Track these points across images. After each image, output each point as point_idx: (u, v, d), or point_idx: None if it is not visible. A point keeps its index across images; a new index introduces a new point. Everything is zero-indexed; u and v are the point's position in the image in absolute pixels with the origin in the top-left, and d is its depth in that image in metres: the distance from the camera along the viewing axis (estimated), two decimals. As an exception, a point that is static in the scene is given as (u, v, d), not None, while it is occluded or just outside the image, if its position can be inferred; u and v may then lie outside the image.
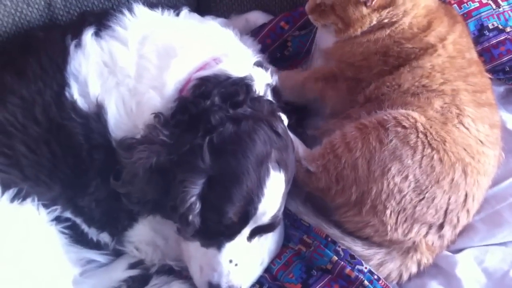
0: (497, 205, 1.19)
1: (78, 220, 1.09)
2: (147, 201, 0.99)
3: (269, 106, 1.06)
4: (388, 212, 1.07)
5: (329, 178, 1.11)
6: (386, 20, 1.16)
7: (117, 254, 1.17)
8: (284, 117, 1.11)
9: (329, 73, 1.24)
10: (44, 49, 1.08)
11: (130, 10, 1.12)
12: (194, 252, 1.01)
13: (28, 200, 1.01)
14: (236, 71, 1.07)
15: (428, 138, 1.07)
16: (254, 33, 1.45)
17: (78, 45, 1.06)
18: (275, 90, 1.15)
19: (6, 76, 1.06)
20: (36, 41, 1.11)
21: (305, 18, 1.39)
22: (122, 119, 1.03)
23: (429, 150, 1.06)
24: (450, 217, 1.09)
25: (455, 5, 1.34)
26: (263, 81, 1.11)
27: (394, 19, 1.16)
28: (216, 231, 0.97)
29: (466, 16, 1.33)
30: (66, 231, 1.07)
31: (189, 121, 0.99)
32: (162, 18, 1.15)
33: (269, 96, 1.11)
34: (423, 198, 1.06)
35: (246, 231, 0.99)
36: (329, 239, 1.13)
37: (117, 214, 1.08)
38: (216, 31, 1.19)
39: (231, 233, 0.98)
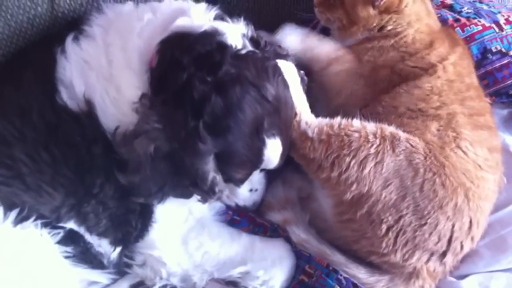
0: (501, 230, 1.18)
1: (82, 230, 1.08)
2: (159, 189, 0.99)
3: (255, 61, 0.99)
4: (384, 226, 1.05)
5: (326, 155, 1.06)
6: (390, 28, 1.18)
7: (120, 273, 1.15)
8: (293, 70, 1.08)
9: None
10: (36, 60, 1.11)
11: (99, 10, 1.14)
12: (223, 189, 1.11)
13: (31, 220, 1.01)
14: (197, 24, 1.03)
15: (428, 162, 1.06)
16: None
17: (62, 51, 1.08)
18: (254, 41, 1.06)
19: (4, 90, 1.09)
20: (30, 55, 1.15)
21: (309, 26, 1.39)
22: (109, 109, 1.03)
23: (430, 174, 1.05)
24: (454, 245, 1.08)
25: (458, 28, 1.34)
26: (236, 32, 1.04)
27: (399, 29, 1.18)
28: (231, 180, 1.08)
29: (469, 39, 1.34)
30: (69, 250, 1.06)
31: (173, 98, 0.97)
32: (129, 6, 1.15)
33: (250, 48, 1.03)
34: (425, 223, 1.05)
35: (256, 172, 1.09)
36: (331, 267, 1.12)
37: (126, 217, 1.08)
38: (183, 4, 1.14)
39: (244, 180, 1.09)
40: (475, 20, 1.36)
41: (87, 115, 1.04)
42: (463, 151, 1.09)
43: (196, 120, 0.94)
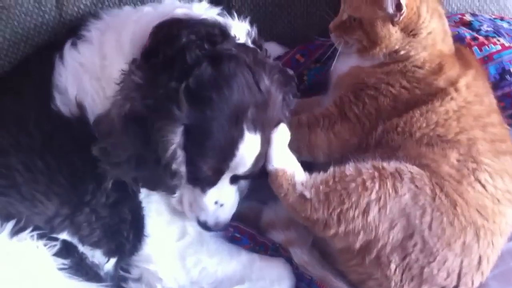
0: (511, 262, 1.14)
1: (75, 240, 1.07)
2: (128, 158, 0.94)
3: (256, 56, 0.96)
4: (392, 266, 1.02)
5: (329, 213, 1.02)
6: (403, 52, 1.14)
7: (116, 285, 1.13)
8: (283, 127, 1.02)
9: (323, 114, 1.18)
10: (36, 68, 1.11)
11: (95, 15, 1.13)
12: (184, 189, 1.04)
13: (28, 231, 0.99)
14: (198, 13, 1.01)
15: (437, 203, 1.01)
16: (268, 66, 1.43)
17: (60, 57, 1.07)
18: (257, 44, 1.03)
19: (4, 99, 1.08)
20: (31, 62, 1.14)
21: (321, 51, 1.37)
22: (99, 110, 1.01)
23: (438, 214, 1.01)
24: (464, 280, 1.04)
25: (476, 47, 1.30)
26: (241, 28, 1.01)
27: (412, 53, 1.14)
28: (197, 178, 0.99)
29: (487, 59, 1.28)
30: (65, 261, 1.04)
31: (164, 61, 0.93)
32: (128, 8, 1.15)
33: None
34: (433, 260, 1.01)
35: (226, 177, 1.00)
36: (331, 291, 1.09)
37: (118, 227, 1.06)
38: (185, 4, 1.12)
39: (211, 181, 0.99)
40: (494, 39, 1.31)
41: (79, 120, 1.02)
42: (482, 185, 1.04)
43: (179, 82, 0.89)
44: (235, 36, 0.98)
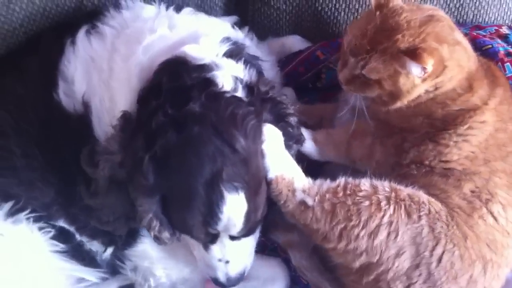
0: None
1: (72, 229, 1.07)
2: (116, 218, 0.94)
3: (227, 105, 0.89)
4: None
5: (331, 226, 0.95)
6: (431, 88, 1.04)
7: (112, 271, 1.14)
8: (270, 131, 0.94)
9: (377, 127, 1.10)
10: (45, 48, 1.08)
11: (116, 7, 1.09)
12: (192, 246, 1.01)
13: (24, 214, 1.00)
14: (199, 56, 0.95)
15: (450, 232, 0.96)
16: (289, 59, 1.39)
17: (72, 42, 1.04)
18: (251, 88, 0.95)
19: (8, 76, 1.06)
20: (43, 41, 1.11)
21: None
22: (104, 117, 0.99)
23: (451, 246, 0.95)
24: None
25: (508, 63, 1.22)
26: (230, 73, 0.94)
27: (439, 86, 1.04)
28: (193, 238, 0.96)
29: (519, 76, 1.22)
30: (62, 245, 1.06)
31: (138, 125, 0.91)
32: (150, 11, 1.08)
33: (239, 93, 0.93)
34: None
35: (224, 235, 0.95)
36: (326, 299, 1.06)
37: None
38: (206, 23, 1.08)
39: (208, 241, 0.95)
40: (530, 57, 1.23)
41: (80, 118, 0.99)
42: (493, 217, 0.99)
43: (145, 152, 0.87)
44: (219, 85, 0.91)
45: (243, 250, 0.99)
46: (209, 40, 0.99)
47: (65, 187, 1.02)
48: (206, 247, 0.96)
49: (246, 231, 0.93)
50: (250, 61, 1.00)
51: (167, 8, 1.10)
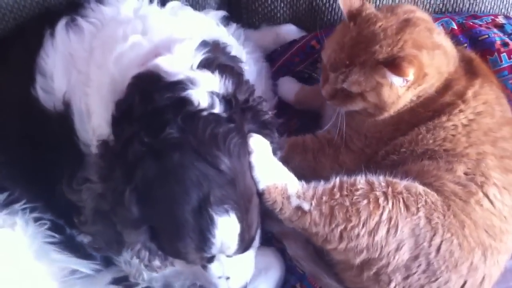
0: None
1: (61, 222, 1.06)
2: (108, 244, 0.91)
3: (206, 125, 0.84)
4: (392, 285, 0.97)
5: (331, 229, 0.94)
6: (414, 98, 1.04)
7: (106, 263, 1.14)
8: (257, 141, 0.90)
9: (328, 141, 1.11)
10: (25, 38, 1.05)
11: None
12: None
13: (18, 205, 0.99)
14: (173, 70, 0.89)
15: (447, 222, 0.96)
16: (283, 49, 1.38)
17: (51, 35, 1.01)
18: (228, 100, 0.90)
19: None
20: (26, 28, 1.08)
21: None
22: (84, 119, 0.96)
23: (448, 235, 0.95)
24: None
25: (504, 53, 1.22)
26: (206, 88, 0.88)
27: (421, 94, 1.03)
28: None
29: (516, 67, 1.21)
30: (56, 235, 1.04)
31: (115, 155, 0.86)
32: (129, 8, 1.04)
33: (217, 109, 0.88)
34: (434, 280, 0.96)
35: (220, 254, 0.93)
36: (322, 291, 1.06)
37: None
38: (185, 24, 1.02)
39: (204, 262, 0.92)
40: (526, 47, 1.22)
41: (61, 118, 0.97)
42: (490, 200, 0.98)
43: (126, 184, 0.82)
44: (194, 103, 0.86)
45: (243, 264, 0.97)
46: (184, 48, 0.93)
47: (45, 186, 1.00)
48: (204, 267, 0.93)
49: (243, 250, 0.90)
50: (227, 68, 0.94)
51: (150, 1, 1.06)
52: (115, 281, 1.11)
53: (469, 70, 1.09)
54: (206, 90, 0.88)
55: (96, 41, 0.98)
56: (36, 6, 1.16)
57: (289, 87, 1.30)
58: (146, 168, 0.81)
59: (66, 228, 1.06)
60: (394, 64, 0.96)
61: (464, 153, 1.01)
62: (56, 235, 1.04)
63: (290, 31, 1.40)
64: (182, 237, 0.83)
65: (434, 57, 1.01)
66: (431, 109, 1.04)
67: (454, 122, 1.02)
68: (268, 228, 1.15)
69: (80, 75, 0.97)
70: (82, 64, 0.97)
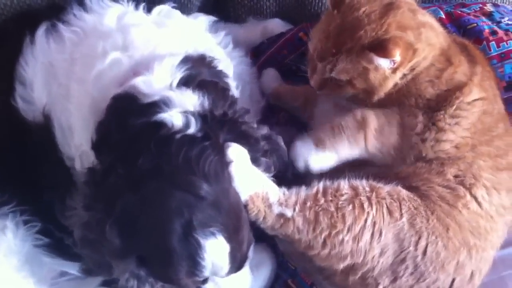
0: (503, 271, 1.10)
1: (50, 226, 1.05)
2: (100, 266, 0.89)
3: (184, 150, 0.82)
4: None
5: (315, 235, 0.92)
6: (406, 71, 1.02)
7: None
8: (234, 151, 0.88)
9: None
10: (7, 43, 1.02)
11: (81, 6, 1.01)
12: None
13: (7, 208, 0.98)
14: (149, 91, 0.87)
15: (431, 225, 0.95)
16: (271, 41, 1.37)
17: (31, 41, 0.98)
18: (204, 116, 0.87)
19: None
20: (6, 33, 1.05)
21: None
22: (67, 134, 0.95)
23: (433, 237, 0.95)
24: None
25: (493, 42, 1.21)
26: (182, 107, 0.86)
27: (415, 66, 1.01)
28: None
29: (504, 56, 1.20)
30: (45, 238, 1.04)
31: (95, 185, 0.85)
32: (112, 17, 0.99)
33: (192, 129, 0.84)
34: (423, 281, 0.96)
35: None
36: (314, 287, 1.06)
37: None
38: (169, 36, 0.99)
39: (199, 284, 0.90)
40: (514, 35, 1.21)
41: (42, 131, 0.95)
42: (477, 203, 0.97)
43: (107, 215, 0.81)
44: (169, 125, 0.83)
45: (239, 280, 0.95)
46: (164, 65, 0.90)
47: (33, 191, 0.99)
48: (202, 283, 0.90)
49: (236, 269, 0.88)
50: (210, 84, 0.92)
51: (136, 7, 1.03)
52: (105, 283, 1.09)
53: (465, 53, 1.08)
54: (180, 111, 0.85)
55: (76, 53, 0.96)
56: (23, 5, 1.12)
57: (269, 80, 1.29)
58: (125, 199, 0.80)
59: (54, 232, 1.05)
60: (380, 47, 0.95)
61: (462, 156, 0.99)
62: (45, 238, 1.03)
63: (277, 24, 1.39)
64: (171, 265, 0.81)
65: (420, 34, 1.00)
66: (450, 85, 1.01)
67: (470, 120, 1.00)
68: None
69: (61, 88, 0.95)
70: (63, 75, 0.95)
